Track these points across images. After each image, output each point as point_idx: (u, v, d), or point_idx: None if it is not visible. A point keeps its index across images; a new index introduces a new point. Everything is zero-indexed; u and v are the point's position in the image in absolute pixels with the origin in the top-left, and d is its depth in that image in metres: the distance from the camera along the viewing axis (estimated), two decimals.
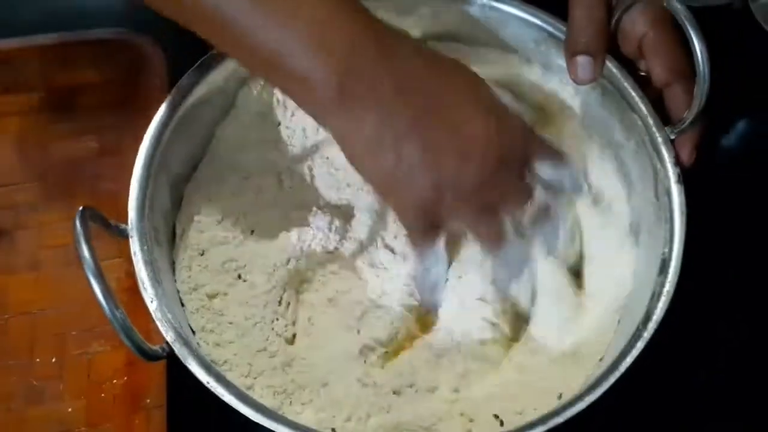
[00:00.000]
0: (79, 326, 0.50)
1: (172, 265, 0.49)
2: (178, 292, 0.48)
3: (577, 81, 0.49)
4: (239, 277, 0.49)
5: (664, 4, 0.45)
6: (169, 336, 0.41)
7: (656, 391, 0.50)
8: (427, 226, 0.44)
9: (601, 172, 0.52)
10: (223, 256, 0.49)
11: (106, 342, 0.50)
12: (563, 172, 0.48)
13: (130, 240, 0.44)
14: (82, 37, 0.57)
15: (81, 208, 0.40)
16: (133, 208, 0.45)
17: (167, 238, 0.49)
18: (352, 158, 0.42)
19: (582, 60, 0.48)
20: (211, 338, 0.46)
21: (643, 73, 0.49)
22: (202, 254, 0.49)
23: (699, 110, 0.46)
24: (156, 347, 0.41)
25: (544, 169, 0.46)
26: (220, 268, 0.49)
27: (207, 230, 0.50)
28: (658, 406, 0.49)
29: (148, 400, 0.48)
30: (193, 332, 0.46)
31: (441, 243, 0.45)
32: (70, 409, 0.48)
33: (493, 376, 0.46)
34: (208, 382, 0.41)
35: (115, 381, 0.49)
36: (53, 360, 0.50)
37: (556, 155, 0.48)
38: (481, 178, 0.42)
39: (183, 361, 0.41)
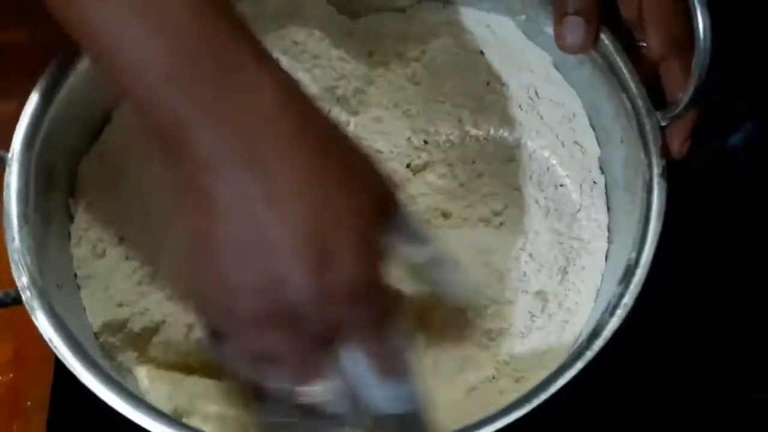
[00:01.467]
0: None
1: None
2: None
3: (565, 47, 0.42)
4: None
5: None
6: (21, 281, 0.36)
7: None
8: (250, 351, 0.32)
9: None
10: None
11: None
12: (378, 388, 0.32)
13: (6, 170, 0.38)
14: None
15: None
16: (21, 134, 0.39)
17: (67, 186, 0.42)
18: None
19: (572, 21, 0.41)
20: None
21: (643, 44, 0.41)
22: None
23: (696, 90, 0.37)
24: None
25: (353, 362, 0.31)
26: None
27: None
28: None
29: (29, 403, 0.43)
30: None
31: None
32: None
33: None
34: (50, 340, 0.34)
35: (0, 377, 0.44)
36: None
37: (383, 361, 0.32)
38: (265, 311, 0.30)
39: (31, 315, 0.35)
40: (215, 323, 0.32)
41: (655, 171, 0.38)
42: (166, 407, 0.37)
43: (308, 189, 0.30)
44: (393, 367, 0.31)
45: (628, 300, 0.35)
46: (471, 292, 0.39)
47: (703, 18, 0.36)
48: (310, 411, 0.31)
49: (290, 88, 0.32)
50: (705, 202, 0.40)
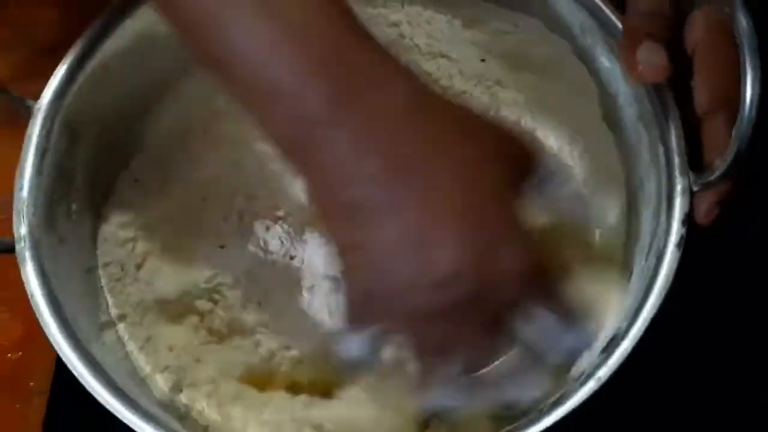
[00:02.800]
0: None
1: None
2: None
3: (641, 76, 0.37)
4: None
5: (726, 9, 0.33)
6: (18, 231, 0.37)
7: None
8: (364, 316, 0.34)
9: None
10: None
11: (8, 309, 0.46)
12: (564, 338, 0.34)
13: (32, 119, 0.39)
14: None
15: None
16: (53, 87, 0.40)
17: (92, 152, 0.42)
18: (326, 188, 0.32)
19: (650, 45, 0.36)
20: None
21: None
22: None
23: (735, 160, 0.34)
24: None
25: (535, 327, 0.33)
26: None
27: None
28: None
29: (32, 384, 0.45)
30: None
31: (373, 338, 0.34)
32: None
33: None
34: (31, 295, 0.36)
35: (9, 355, 0.45)
36: None
37: (563, 314, 0.34)
38: (438, 307, 0.31)
39: (20, 265, 0.36)
40: (385, 324, 0.33)
41: (672, 239, 0.35)
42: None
43: (456, 182, 0.31)
44: (572, 315, 0.34)
45: (602, 374, 0.33)
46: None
47: (751, 77, 0.32)
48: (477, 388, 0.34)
49: (419, 84, 0.32)
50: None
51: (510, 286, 0.32)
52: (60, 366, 0.41)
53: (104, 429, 0.35)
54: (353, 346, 0.34)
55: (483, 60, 0.44)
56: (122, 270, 0.41)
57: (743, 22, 0.33)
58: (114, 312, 0.40)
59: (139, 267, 0.41)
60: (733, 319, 0.44)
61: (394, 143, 0.30)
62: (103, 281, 0.41)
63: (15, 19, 0.50)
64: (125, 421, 0.34)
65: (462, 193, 0.31)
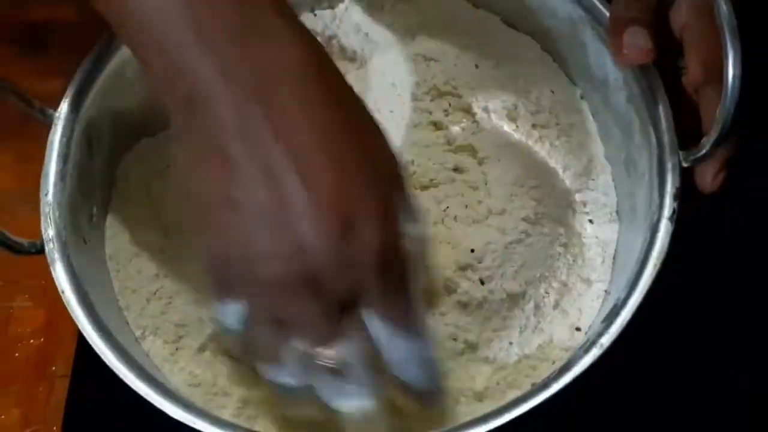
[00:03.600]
0: (5, 277, 0.48)
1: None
2: None
3: (627, 59, 0.39)
4: None
5: None
6: (47, 233, 0.39)
7: None
8: (225, 282, 0.33)
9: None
10: None
11: (31, 298, 0.48)
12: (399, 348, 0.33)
13: (52, 128, 0.41)
14: None
15: None
16: (70, 95, 0.42)
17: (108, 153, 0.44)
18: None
19: (634, 30, 0.38)
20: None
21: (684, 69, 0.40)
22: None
23: (720, 136, 0.36)
24: (26, 241, 0.39)
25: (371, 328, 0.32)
26: None
27: None
28: None
29: (54, 368, 0.46)
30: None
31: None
32: None
33: None
34: (63, 291, 0.38)
35: (32, 341, 0.47)
36: None
37: (402, 326, 0.33)
38: (283, 278, 0.31)
39: (51, 266, 0.38)
40: (236, 289, 0.32)
41: (665, 213, 0.37)
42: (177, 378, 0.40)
43: (330, 153, 0.30)
44: (410, 328, 0.32)
45: (605, 340, 0.35)
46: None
47: (733, 61, 0.34)
48: (327, 373, 0.32)
49: (314, 48, 0.32)
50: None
51: (361, 269, 0.31)
52: (81, 351, 0.45)
53: (124, 409, 0.37)
54: (226, 316, 0.33)
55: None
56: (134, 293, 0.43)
57: (723, 5, 0.35)
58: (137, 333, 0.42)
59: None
60: (730, 290, 0.46)
61: (278, 100, 0.30)
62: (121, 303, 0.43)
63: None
64: (150, 399, 0.35)
65: (336, 164, 0.30)
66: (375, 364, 0.32)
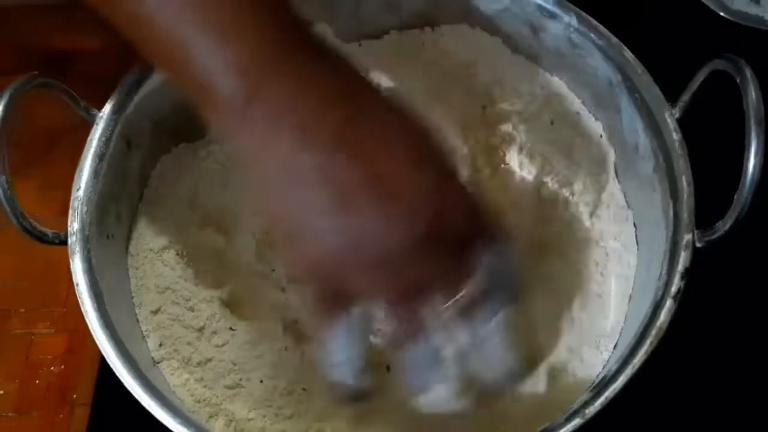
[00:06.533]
0: (28, 304, 0.49)
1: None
2: None
3: None
4: None
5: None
6: (72, 226, 0.41)
7: None
8: (329, 296, 0.34)
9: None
10: None
11: (52, 324, 0.48)
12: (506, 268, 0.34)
13: (93, 127, 0.43)
14: None
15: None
16: (115, 99, 0.44)
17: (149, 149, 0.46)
18: (257, 187, 0.33)
19: None
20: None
21: None
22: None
23: (735, 221, 0.36)
24: (50, 231, 0.40)
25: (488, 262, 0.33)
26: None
27: None
28: None
29: (75, 396, 0.47)
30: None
31: (352, 318, 0.34)
32: (1, 392, 0.47)
33: None
34: (77, 284, 0.39)
35: (52, 368, 0.48)
36: None
37: (504, 245, 0.34)
38: (407, 245, 0.31)
39: (70, 257, 0.40)
40: (355, 292, 0.33)
41: (671, 291, 0.37)
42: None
43: (432, 170, 0.32)
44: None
45: (589, 411, 0.35)
46: None
47: (755, 151, 0.34)
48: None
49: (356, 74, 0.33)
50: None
51: (461, 214, 0.32)
52: (102, 379, 0.46)
53: None
54: (340, 348, 0.34)
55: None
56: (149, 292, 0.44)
57: (752, 93, 0.34)
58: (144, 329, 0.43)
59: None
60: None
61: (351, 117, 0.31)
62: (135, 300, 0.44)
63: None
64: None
65: (424, 154, 0.32)
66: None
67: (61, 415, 0.46)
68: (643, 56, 0.43)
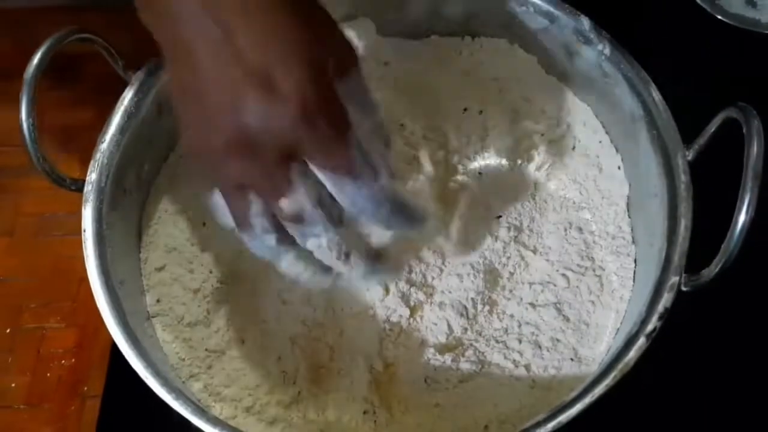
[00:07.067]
0: (39, 299, 0.50)
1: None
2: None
3: None
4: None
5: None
6: (90, 175, 0.43)
7: None
8: (232, 181, 0.35)
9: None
10: None
11: (63, 319, 0.50)
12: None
13: (128, 87, 0.45)
14: (96, 3, 0.53)
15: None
16: (153, 61, 0.46)
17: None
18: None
19: None
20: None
21: None
22: None
23: (720, 271, 0.36)
24: (68, 177, 0.43)
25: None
26: None
27: None
28: None
29: (86, 388, 0.48)
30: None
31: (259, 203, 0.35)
32: (13, 385, 0.48)
33: None
34: (84, 230, 0.42)
35: (63, 361, 0.49)
36: (7, 331, 0.49)
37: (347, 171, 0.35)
38: (231, 137, 0.33)
39: (83, 205, 0.42)
40: (204, 164, 0.35)
41: (646, 329, 0.37)
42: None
43: (263, 33, 0.33)
44: (355, 172, 0.34)
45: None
46: None
47: (747, 205, 0.34)
48: (291, 226, 0.35)
49: None
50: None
51: (291, 122, 0.32)
52: (112, 371, 0.47)
53: (154, 426, 0.39)
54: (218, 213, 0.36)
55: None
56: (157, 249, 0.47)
57: (755, 146, 0.34)
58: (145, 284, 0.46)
59: None
60: None
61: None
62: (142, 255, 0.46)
63: None
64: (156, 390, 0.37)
65: (264, 38, 0.33)
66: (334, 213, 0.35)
67: (72, 407, 0.48)
68: (645, 62, 0.43)
